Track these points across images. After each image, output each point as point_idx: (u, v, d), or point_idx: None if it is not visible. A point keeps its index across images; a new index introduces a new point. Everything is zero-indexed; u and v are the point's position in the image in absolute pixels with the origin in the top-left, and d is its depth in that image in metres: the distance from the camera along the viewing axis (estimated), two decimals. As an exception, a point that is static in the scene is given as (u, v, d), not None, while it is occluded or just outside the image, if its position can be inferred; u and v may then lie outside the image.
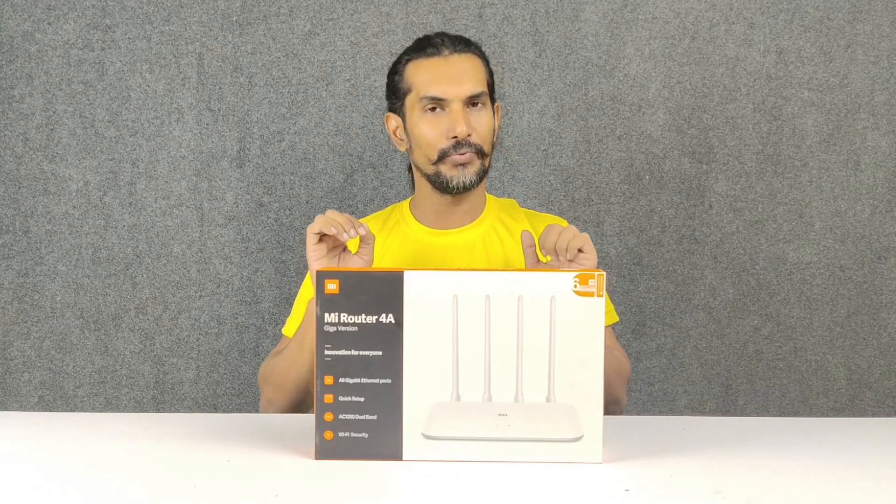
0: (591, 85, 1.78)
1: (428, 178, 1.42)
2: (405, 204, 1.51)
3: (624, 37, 1.78)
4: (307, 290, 1.46)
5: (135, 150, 1.78)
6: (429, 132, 1.39)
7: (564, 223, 1.49)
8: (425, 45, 1.43)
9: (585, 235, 1.20)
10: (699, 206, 1.79)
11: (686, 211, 1.79)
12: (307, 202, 1.79)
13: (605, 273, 1.00)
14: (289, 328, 1.46)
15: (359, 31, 1.78)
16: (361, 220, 1.52)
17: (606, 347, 1.26)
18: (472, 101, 1.39)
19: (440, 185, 1.41)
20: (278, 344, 1.47)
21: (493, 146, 1.45)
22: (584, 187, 1.78)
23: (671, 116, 1.78)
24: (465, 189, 1.41)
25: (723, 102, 1.78)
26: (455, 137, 1.37)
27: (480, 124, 1.40)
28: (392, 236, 1.47)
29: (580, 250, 1.18)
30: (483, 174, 1.42)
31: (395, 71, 1.45)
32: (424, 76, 1.40)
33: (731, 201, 1.79)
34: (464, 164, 1.39)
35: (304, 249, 1.83)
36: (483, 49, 1.45)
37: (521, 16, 1.78)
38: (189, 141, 1.78)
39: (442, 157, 1.39)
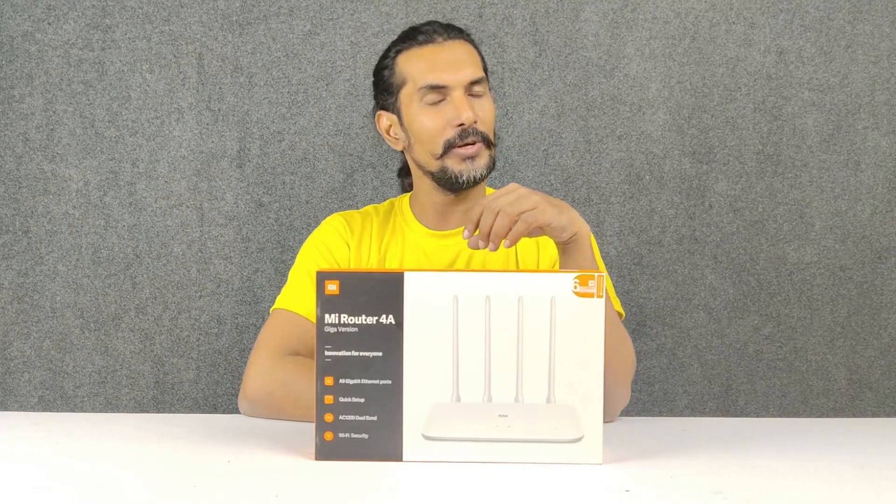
0: (591, 85, 1.78)
1: (432, 175, 1.35)
2: (405, 202, 1.46)
3: (624, 37, 1.78)
4: (307, 263, 1.40)
5: (135, 150, 1.78)
6: (431, 123, 1.32)
7: (563, 205, 1.45)
8: (415, 34, 1.36)
9: (517, 195, 1.11)
10: (699, 206, 1.79)
11: (686, 211, 1.79)
12: (307, 202, 1.79)
13: (605, 274, 1.00)
14: (284, 299, 1.38)
15: (359, 31, 1.78)
16: (361, 210, 1.50)
17: (623, 339, 1.25)
18: (472, 88, 1.33)
19: (447, 181, 1.33)
20: (272, 323, 1.36)
21: (496, 137, 1.39)
22: (584, 187, 1.78)
23: (671, 116, 1.78)
24: (475, 183, 1.34)
25: (723, 102, 1.78)
26: (461, 125, 1.31)
27: (484, 111, 1.33)
28: (395, 238, 1.42)
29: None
30: (492, 166, 1.35)
31: (384, 66, 1.38)
32: (420, 65, 1.33)
33: (731, 201, 1.79)
34: (472, 157, 1.32)
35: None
36: (482, 46, 1.41)
37: (521, 16, 1.78)
38: (189, 141, 1.78)
39: (448, 148, 1.31)
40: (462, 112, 1.30)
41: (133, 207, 1.79)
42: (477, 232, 1.13)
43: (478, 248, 1.13)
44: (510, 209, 1.10)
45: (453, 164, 1.33)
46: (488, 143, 1.34)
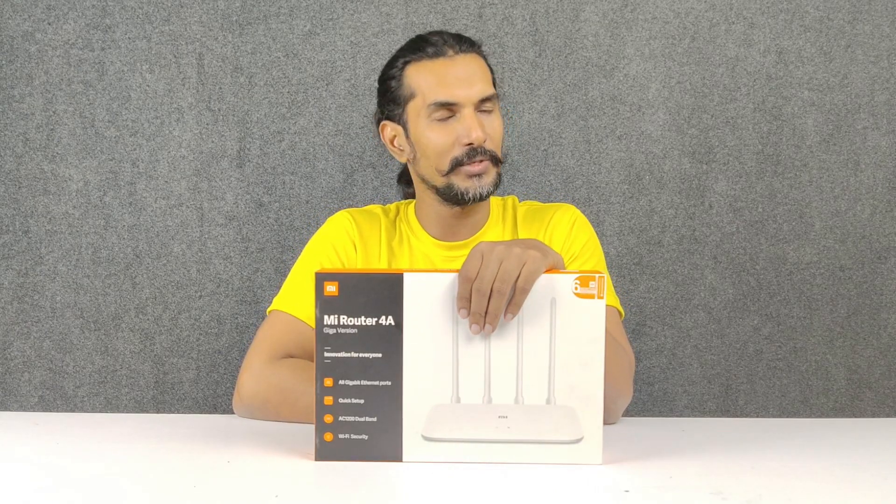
0: (591, 85, 1.78)
1: (437, 190, 1.33)
2: (411, 210, 1.44)
3: (624, 37, 1.78)
4: (311, 264, 1.37)
5: (135, 150, 1.78)
6: (439, 140, 1.29)
7: (572, 209, 1.42)
8: (425, 45, 1.33)
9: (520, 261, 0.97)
10: (699, 206, 1.79)
11: (686, 211, 1.79)
12: (307, 202, 1.79)
13: (605, 275, 1.00)
14: (282, 301, 1.35)
15: (359, 31, 1.78)
16: (366, 209, 1.49)
17: (613, 339, 1.22)
18: (482, 105, 1.30)
19: (452, 197, 1.31)
20: (269, 326, 1.33)
21: (504, 153, 1.36)
22: (584, 187, 1.78)
23: (671, 116, 1.78)
24: (481, 200, 1.31)
25: (723, 102, 1.78)
26: (470, 144, 1.28)
27: (493, 129, 1.31)
28: (402, 247, 1.41)
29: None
30: (498, 183, 1.32)
31: (391, 76, 1.35)
32: (430, 79, 1.30)
33: (731, 201, 1.79)
34: (479, 175, 1.29)
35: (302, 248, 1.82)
36: (483, 48, 1.40)
37: (521, 16, 1.77)
38: (189, 141, 1.78)
39: (455, 166, 1.29)
40: (472, 131, 1.27)
41: (133, 207, 1.78)
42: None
43: (478, 334, 0.99)
44: (502, 286, 0.97)
45: (459, 182, 1.30)
46: (496, 161, 1.31)
